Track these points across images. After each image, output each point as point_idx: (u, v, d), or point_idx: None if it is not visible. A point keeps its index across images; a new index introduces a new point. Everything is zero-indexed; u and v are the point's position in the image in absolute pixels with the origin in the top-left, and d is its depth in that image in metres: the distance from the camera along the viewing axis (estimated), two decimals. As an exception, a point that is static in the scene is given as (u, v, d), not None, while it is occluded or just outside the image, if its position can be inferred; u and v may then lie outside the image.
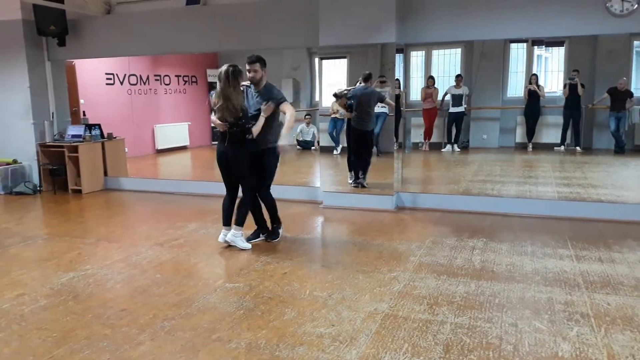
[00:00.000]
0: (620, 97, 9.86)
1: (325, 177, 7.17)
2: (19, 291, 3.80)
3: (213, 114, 4.51)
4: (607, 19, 5.33)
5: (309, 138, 11.86)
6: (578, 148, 10.49)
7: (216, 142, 4.84)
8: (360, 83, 6.75)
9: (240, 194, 4.75)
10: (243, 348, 2.88)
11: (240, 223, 4.65)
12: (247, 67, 4.56)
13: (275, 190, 5.59)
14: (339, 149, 9.51)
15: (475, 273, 4.01)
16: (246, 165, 4.57)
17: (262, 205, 4.88)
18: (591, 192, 6.73)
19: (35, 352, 2.88)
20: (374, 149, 8.33)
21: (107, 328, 3.16)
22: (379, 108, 7.78)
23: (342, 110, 8.81)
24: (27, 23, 7.46)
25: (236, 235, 4.64)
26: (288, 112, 4.55)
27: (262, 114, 4.52)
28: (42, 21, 7.35)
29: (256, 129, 4.49)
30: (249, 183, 4.65)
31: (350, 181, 6.95)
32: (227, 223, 4.70)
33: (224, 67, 4.35)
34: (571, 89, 10.22)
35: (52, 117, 7.95)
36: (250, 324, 3.18)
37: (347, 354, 2.80)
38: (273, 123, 4.65)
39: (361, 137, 6.92)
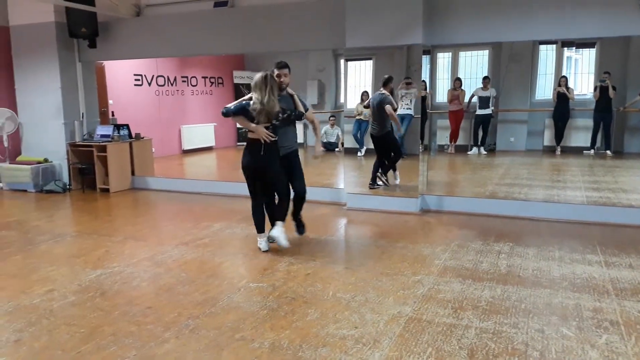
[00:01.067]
0: (653, 100, 9.62)
1: (349, 178, 7.16)
2: (48, 287, 3.89)
3: (247, 122, 4.44)
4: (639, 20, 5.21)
5: (333, 140, 11.86)
6: (608, 152, 10.26)
7: (242, 143, 4.87)
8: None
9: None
10: (266, 348, 2.89)
11: (284, 219, 4.69)
12: (277, 71, 4.56)
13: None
14: (363, 150, 9.48)
15: (501, 278, 3.95)
16: (279, 169, 4.62)
17: (294, 198, 4.89)
18: (622, 197, 6.57)
19: (64, 347, 2.94)
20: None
21: (133, 325, 3.21)
22: (404, 110, 7.74)
23: (366, 112, 8.84)
24: (59, 25, 7.64)
25: (283, 232, 4.60)
26: (315, 120, 4.93)
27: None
28: (74, 23, 7.52)
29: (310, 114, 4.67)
30: (284, 182, 4.67)
31: (371, 182, 6.94)
32: (263, 229, 4.73)
33: (260, 74, 4.36)
34: (602, 91, 10.01)
35: (82, 117, 8.12)
36: (273, 324, 3.20)
37: (370, 356, 2.78)
38: (294, 127, 4.84)
39: (378, 142, 6.94)
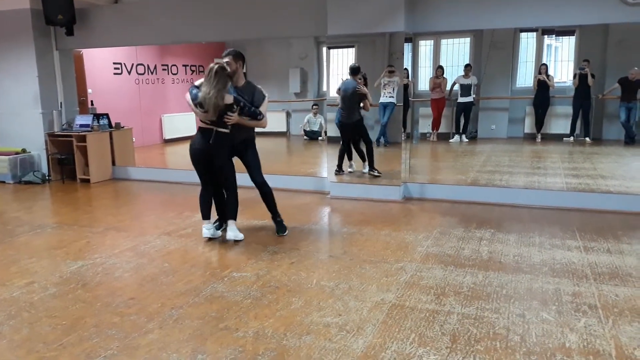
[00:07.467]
0: (631, 87, 9.76)
1: (332, 167, 7.16)
2: (28, 279, 3.84)
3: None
4: (619, 8, 5.25)
5: (316, 128, 11.83)
6: (587, 139, 10.40)
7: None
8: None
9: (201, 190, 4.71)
10: (250, 337, 2.90)
11: (235, 217, 4.63)
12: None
13: (282, 181, 5.52)
14: (347, 139, 9.48)
15: (483, 264, 4.00)
16: (228, 161, 4.56)
17: (260, 195, 4.81)
18: (600, 183, 6.68)
19: (45, 340, 2.91)
20: (382, 139, 8.32)
21: (116, 316, 3.19)
22: (386, 98, 7.76)
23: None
24: (35, 12, 7.46)
25: (235, 230, 4.60)
26: (264, 123, 4.63)
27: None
28: (50, 10, 7.34)
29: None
30: (230, 170, 4.58)
31: (337, 169, 7.04)
32: (208, 216, 4.66)
33: (210, 66, 4.28)
34: (581, 79, 10.13)
35: (61, 106, 7.97)
36: (257, 313, 3.20)
37: (354, 343, 2.81)
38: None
39: (346, 129, 6.97)
